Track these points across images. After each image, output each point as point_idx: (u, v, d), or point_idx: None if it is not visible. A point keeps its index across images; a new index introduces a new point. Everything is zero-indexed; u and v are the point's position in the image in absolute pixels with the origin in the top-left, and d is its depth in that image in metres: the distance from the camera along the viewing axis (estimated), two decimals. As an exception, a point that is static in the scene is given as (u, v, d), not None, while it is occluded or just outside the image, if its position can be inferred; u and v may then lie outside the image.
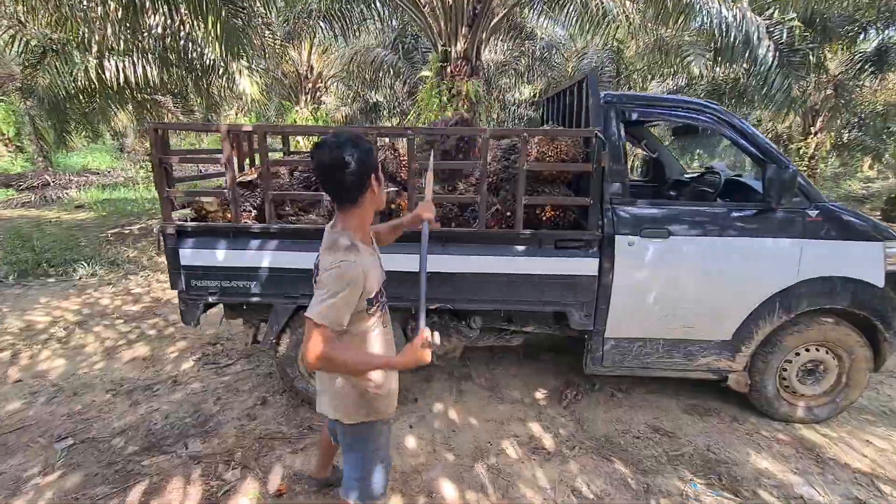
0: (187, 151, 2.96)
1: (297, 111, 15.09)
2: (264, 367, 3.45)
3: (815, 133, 14.45)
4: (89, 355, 3.66)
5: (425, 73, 8.02)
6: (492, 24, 7.82)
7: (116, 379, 3.32)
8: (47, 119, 13.40)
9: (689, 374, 2.77)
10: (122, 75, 10.93)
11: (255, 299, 2.69)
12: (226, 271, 2.64)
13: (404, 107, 15.56)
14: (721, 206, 2.59)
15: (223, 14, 6.25)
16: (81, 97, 12.68)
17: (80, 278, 5.51)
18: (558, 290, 2.60)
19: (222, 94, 12.94)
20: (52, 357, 3.61)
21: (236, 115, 20.14)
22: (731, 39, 8.63)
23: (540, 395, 3.13)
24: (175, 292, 2.74)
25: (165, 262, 2.69)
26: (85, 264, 5.74)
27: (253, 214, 2.76)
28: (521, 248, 2.57)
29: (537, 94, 16.70)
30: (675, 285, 2.57)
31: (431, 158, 2.24)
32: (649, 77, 15.26)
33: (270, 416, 2.85)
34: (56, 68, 11.72)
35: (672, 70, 14.11)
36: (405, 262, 2.23)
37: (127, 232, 7.59)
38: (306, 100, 15.40)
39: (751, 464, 2.46)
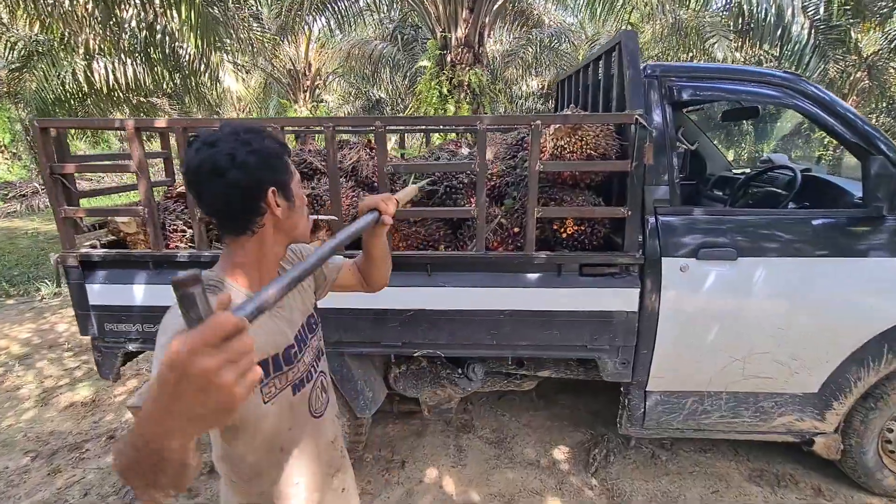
0: (88, 157, 2.33)
1: (295, 110, 14.53)
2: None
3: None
4: (20, 401, 3.08)
5: (423, 62, 7.35)
6: (495, 7, 7.11)
7: (43, 434, 2.74)
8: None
9: (762, 436, 2.09)
10: (111, 77, 10.47)
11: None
12: (148, 312, 2.02)
13: (407, 102, 14.91)
14: (808, 214, 1.90)
15: (196, 2, 5.67)
16: (72, 101, 12.29)
17: (41, 298, 4.97)
18: (585, 331, 1.93)
19: (214, 94, 12.46)
20: (-24, 403, 3.05)
21: (237, 115, 19.75)
22: (762, 16, 7.85)
23: (560, 454, 2.47)
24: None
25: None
26: (48, 283, 5.20)
27: (188, 236, 2.14)
28: (533, 275, 1.91)
29: (545, 86, 15.95)
30: (746, 323, 1.89)
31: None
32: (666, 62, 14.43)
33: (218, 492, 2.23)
34: (43, 71, 11.31)
35: (689, 54, 13.26)
36: (379, 299, 1.60)
37: (106, 243, 7.09)
38: (305, 98, 14.82)
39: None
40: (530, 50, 12.86)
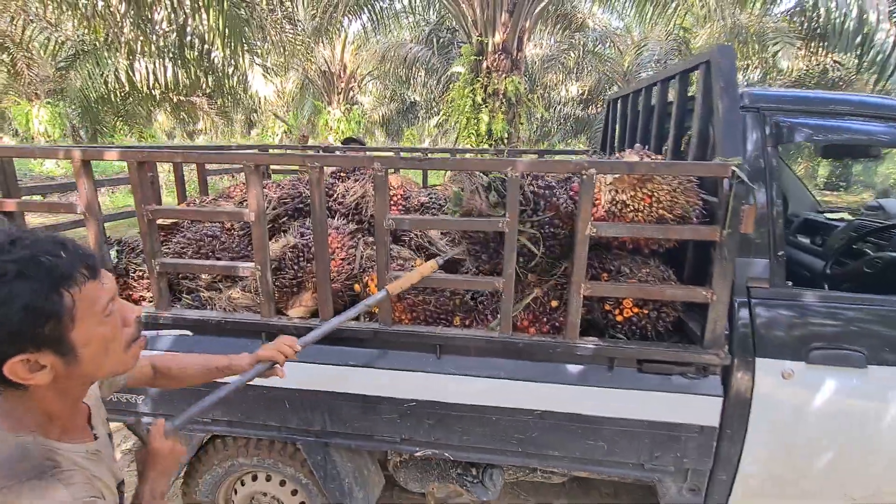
0: (35, 188, 1.95)
1: (328, 111, 14.42)
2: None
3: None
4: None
5: (457, 68, 6.94)
6: (536, 9, 6.61)
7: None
8: (82, 120, 13.48)
9: None
10: (151, 77, 10.61)
11: (146, 419, 1.71)
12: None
13: (440, 107, 14.54)
14: None
15: (225, 6, 5.47)
16: (114, 98, 12.60)
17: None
18: (642, 446, 1.45)
19: (248, 97, 12.48)
20: None
21: (272, 118, 19.97)
22: (839, 21, 7.00)
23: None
24: None
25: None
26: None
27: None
28: (575, 368, 1.44)
29: (586, 92, 15.21)
30: (876, 458, 1.36)
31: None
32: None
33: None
34: (88, 70, 11.61)
35: (745, 63, 12.27)
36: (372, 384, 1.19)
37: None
38: (339, 100, 14.68)
39: None
40: (572, 55, 12.23)
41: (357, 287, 1.65)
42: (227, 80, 9.23)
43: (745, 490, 1.45)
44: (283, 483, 1.79)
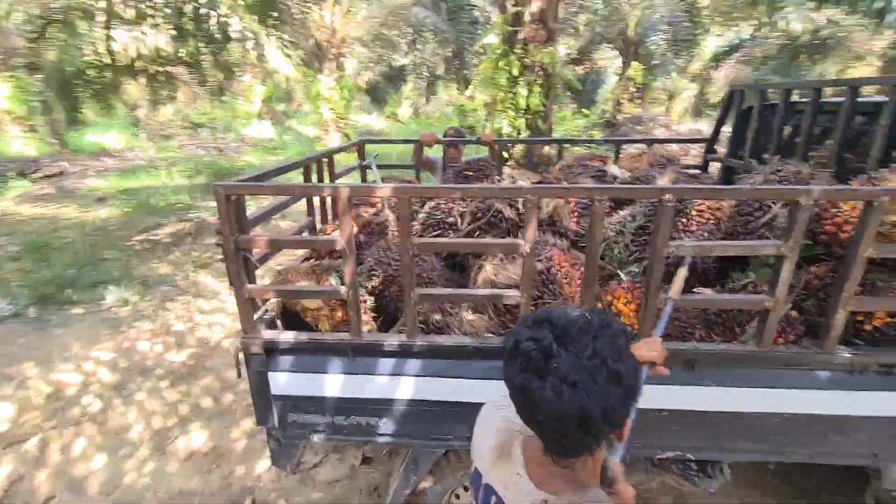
0: (268, 213, 1.88)
1: (320, 80, 13.76)
2: (362, 472, 2.58)
3: None
4: (135, 447, 2.84)
5: (490, 39, 6.72)
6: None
7: (174, 492, 2.51)
8: (57, 97, 12.48)
9: None
10: (132, 47, 9.84)
11: (383, 440, 1.77)
12: (344, 404, 1.71)
13: (462, 73, 13.80)
14: None
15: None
16: (92, 72, 11.66)
17: (109, 307, 4.68)
18: (880, 438, 1.61)
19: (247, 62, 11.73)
20: (89, 449, 2.81)
21: (251, 81, 18.90)
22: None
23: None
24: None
25: (244, 332, 1.70)
26: (113, 288, 4.90)
27: (367, 305, 1.79)
28: (825, 374, 1.57)
29: (575, 51, 14.90)
30: None
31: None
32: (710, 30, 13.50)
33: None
34: (63, 41, 10.64)
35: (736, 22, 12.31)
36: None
37: (156, 238, 6.72)
38: (330, 68, 14.00)
39: None
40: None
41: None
42: (226, 51, 8.67)
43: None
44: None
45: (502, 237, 1.93)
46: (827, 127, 2.17)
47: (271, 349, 1.67)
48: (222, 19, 6.72)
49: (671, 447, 1.69)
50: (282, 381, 1.70)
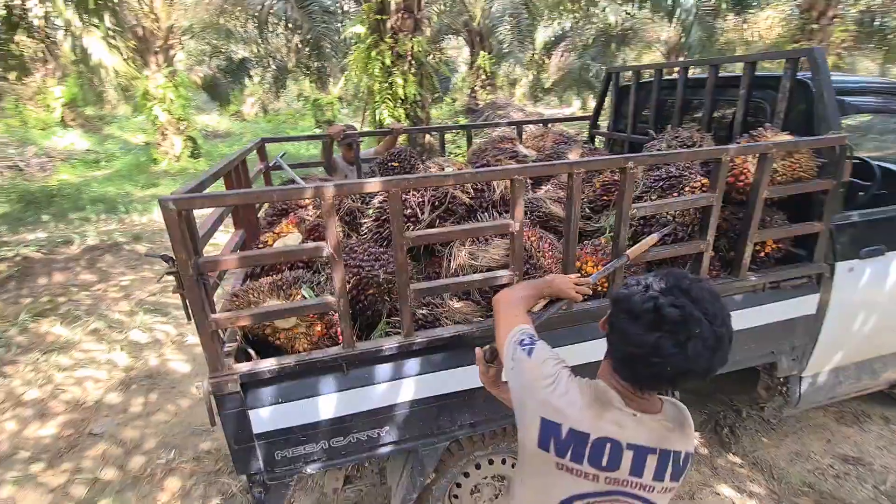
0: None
1: (147, 77, 11.77)
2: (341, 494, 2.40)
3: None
4: None
5: (356, 28, 6.50)
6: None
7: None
8: None
9: (867, 392, 2.53)
10: None
11: (386, 450, 1.67)
12: (339, 423, 1.57)
13: (316, 65, 12.87)
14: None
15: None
16: None
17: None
18: (776, 338, 2.06)
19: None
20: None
21: (44, 81, 15.31)
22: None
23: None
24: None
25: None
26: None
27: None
28: (739, 297, 1.95)
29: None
30: (885, 309, 2.22)
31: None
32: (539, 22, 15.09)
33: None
34: None
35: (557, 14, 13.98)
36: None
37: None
38: (158, 62, 12.06)
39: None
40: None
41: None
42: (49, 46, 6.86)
43: (820, 349, 2.20)
44: (503, 461, 1.96)
45: (458, 222, 1.95)
46: (694, 99, 2.64)
47: (250, 383, 1.44)
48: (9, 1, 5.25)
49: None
50: (265, 416, 1.48)
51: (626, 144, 3.12)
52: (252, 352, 1.51)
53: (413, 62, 6.38)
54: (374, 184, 1.32)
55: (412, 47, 6.28)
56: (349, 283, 1.70)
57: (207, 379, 1.38)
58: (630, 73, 3.05)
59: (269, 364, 1.45)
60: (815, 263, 1.99)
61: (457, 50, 20.69)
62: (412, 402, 1.62)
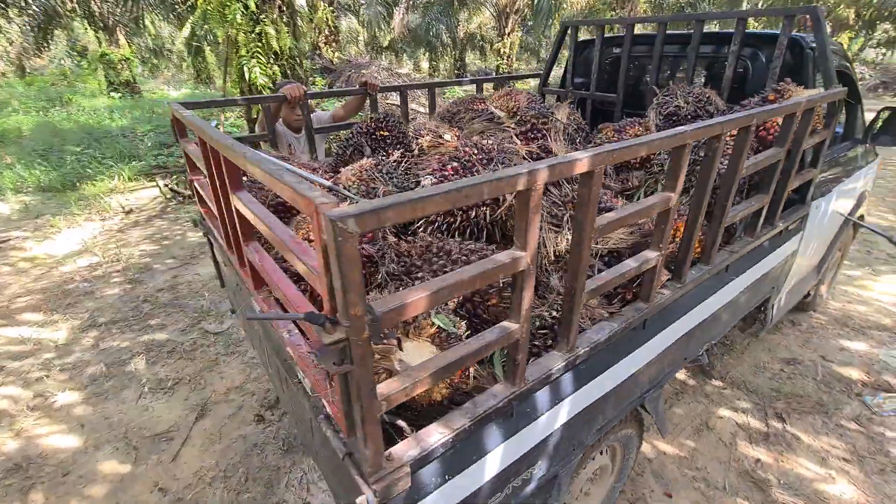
0: None
1: None
2: None
3: (508, 34, 16.56)
4: None
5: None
6: None
7: None
8: None
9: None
10: None
11: (533, 486, 1.37)
12: (504, 475, 1.21)
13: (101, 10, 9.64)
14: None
15: None
16: None
17: None
18: (771, 280, 2.33)
19: None
20: None
21: None
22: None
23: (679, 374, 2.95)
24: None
25: None
26: None
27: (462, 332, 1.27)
28: (767, 243, 2.11)
29: None
30: (818, 235, 2.68)
31: None
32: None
33: None
34: None
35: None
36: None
37: None
38: None
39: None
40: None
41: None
42: None
43: (790, 280, 2.57)
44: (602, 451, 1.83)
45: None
46: (673, 54, 2.71)
47: (419, 469, 0.98)
48: None
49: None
50: (432, 505, 1.04)
51: (589, 103, 3.09)
52: (403, 423, 1.02)
53: (284, 6, 5.32)
54: (582, 160, 0.95)
55: (280, -10, 5.21)
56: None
57: (369, 492, 0.88)
58: (592, 27, 2.98)
59: (436, 435, 1.00)
60: (806, 205, 2.27)
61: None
62: (568, 422, 1.34)
